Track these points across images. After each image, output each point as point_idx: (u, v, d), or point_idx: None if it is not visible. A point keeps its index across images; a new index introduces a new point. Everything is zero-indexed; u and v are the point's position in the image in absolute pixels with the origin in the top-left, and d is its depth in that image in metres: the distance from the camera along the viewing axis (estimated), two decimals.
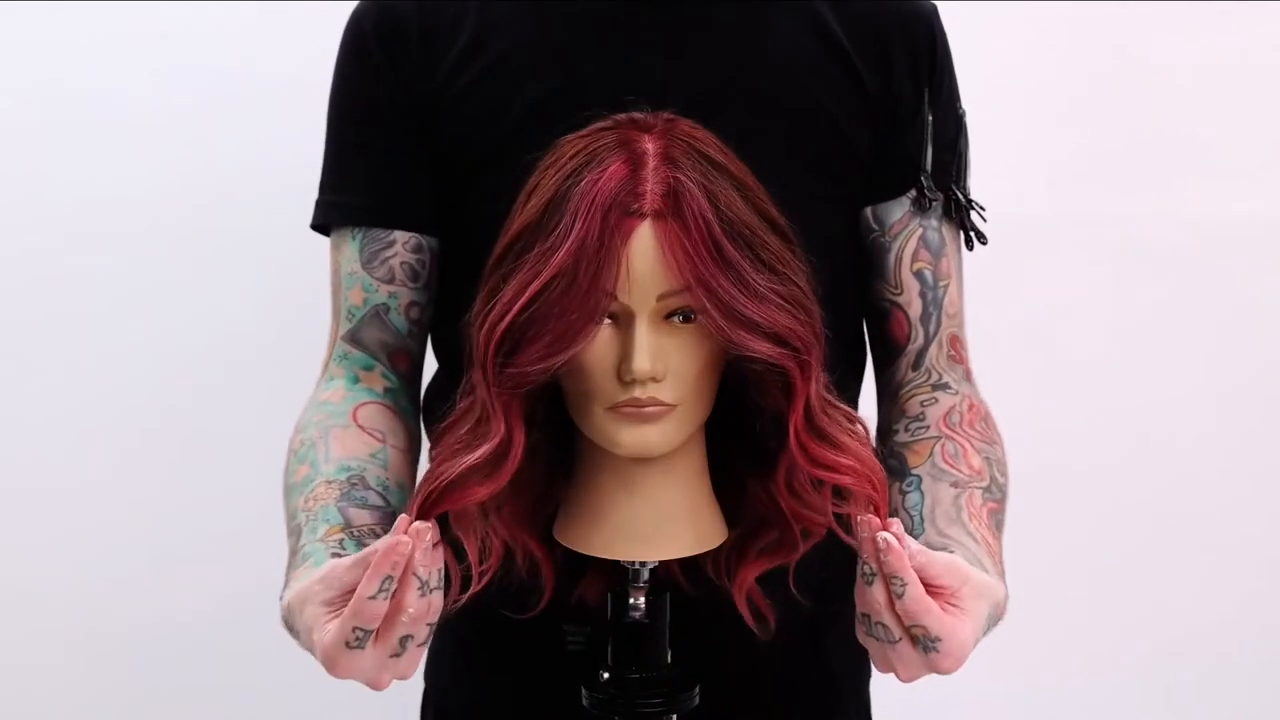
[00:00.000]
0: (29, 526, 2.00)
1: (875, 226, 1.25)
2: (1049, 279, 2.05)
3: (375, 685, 1.00)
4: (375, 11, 1.24)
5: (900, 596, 0.97)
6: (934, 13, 1.28)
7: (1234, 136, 2.07)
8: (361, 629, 0.96)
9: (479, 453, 1.01)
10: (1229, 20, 2.04)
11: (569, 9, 1.21)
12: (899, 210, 1.24)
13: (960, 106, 1.28)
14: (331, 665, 0.99)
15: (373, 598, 0.95)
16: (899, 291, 1.25)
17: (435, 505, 1.00)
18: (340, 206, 1.25)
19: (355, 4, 1.27)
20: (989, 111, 1.33)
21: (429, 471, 1.03)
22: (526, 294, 0.99)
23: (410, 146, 1.22)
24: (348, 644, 0.97)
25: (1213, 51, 2.05)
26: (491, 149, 1.18)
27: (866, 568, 0.98)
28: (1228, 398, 2.14)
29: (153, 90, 1.91)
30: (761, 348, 1.00)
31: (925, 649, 0.99)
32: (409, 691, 1.42)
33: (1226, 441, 2.15)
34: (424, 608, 0.97)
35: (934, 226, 1.25)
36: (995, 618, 1.05)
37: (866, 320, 1.30)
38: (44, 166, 1.93)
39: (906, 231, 1.24)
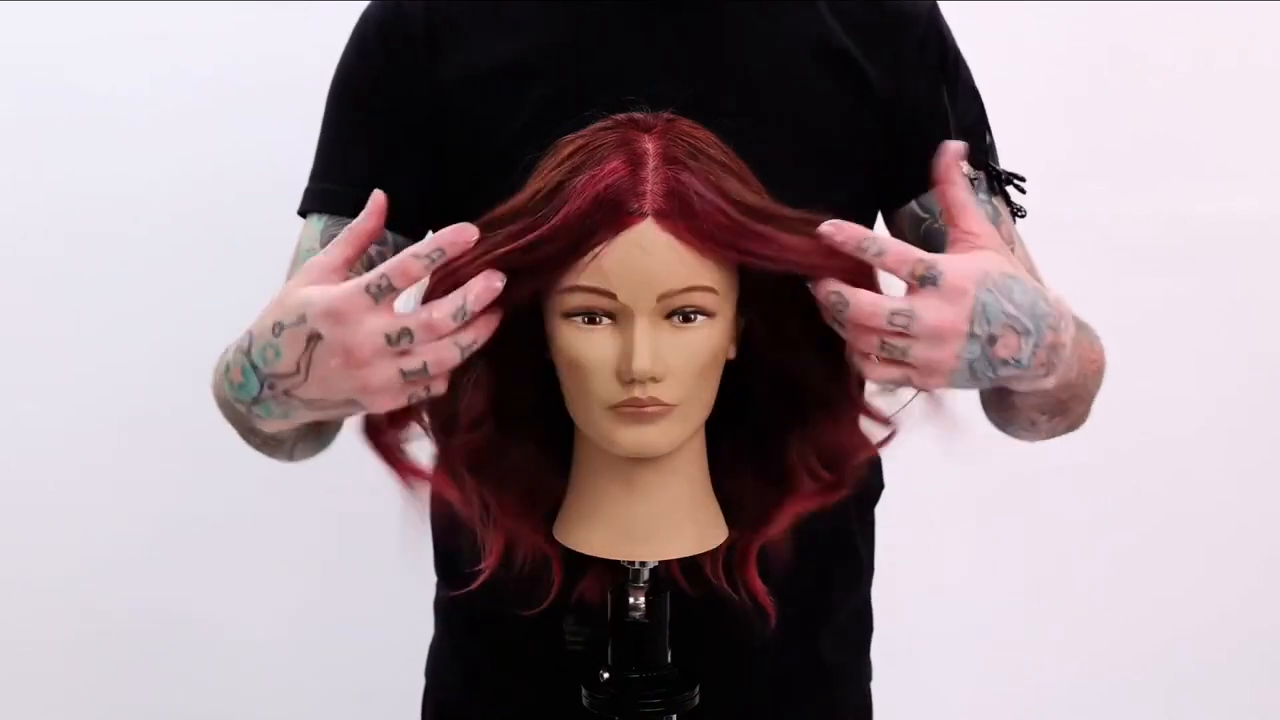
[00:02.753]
0: (27, 527, 2.00)
1: (925, 215, 1.25)
2: (1048, 278, 2.05)
3: (367, 387, 0.95)
4: (383, 11, 1.24)
5: (881, 254, 0.96)
6: (933, 8, 1.28)
7: (1230, 135, 2.08)
8: (390, 281, 0.93)
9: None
10: (1226, 18, 2.04)
11: (577, 11, 1.21)
12: None
13: (974, 84, 1.29)
14: (338, 313, 0.94)
15: (418, 257, 0.93)
16: None
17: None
18: (312, 192, 1.27)
19: (363, 2, 1.27)
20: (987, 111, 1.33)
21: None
22: (492, 254, 0.98)
23: (401, 147, 1.22)
24: (368, 289, 0.93)
25: (1210, 50, 2.06)
26: (498, 151, 1.18)
27: (832, 300, 0.98)
28: (1228, 398, 2.14)
29: (155, 89, 1.92)
30: (827, 264, 0.99)
31: (931, 283, 0.96)
32: (409, 690, 1.42)
33: (1224, 440, 2.15)
34: (449, 354, 0.95)
35: (984, 200, 1.26)
36: (1035, 291, 1.01)
37: None
38: (47, 165, 1.94)
39: None
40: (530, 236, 0.98)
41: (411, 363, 0.95)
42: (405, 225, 1.24)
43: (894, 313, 0.97)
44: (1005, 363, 1.00)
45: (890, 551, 1.39)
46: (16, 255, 1.96)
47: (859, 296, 0.97)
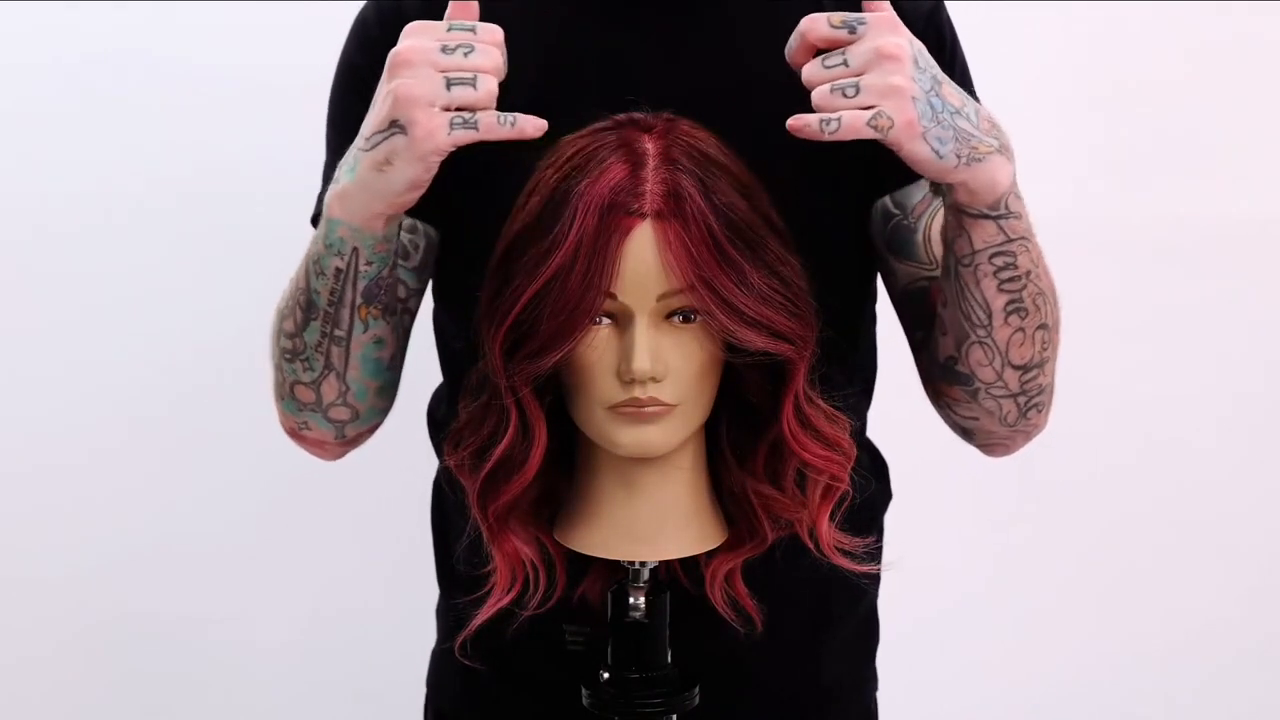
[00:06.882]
0: (27, 529, 2.01)
1: (896, 211, 1.24)
2: (1056, 281, 2.04)
3: (408, 95, 1.01)
4: (381, 9, 1.24)
5: (803, 34, 1.05)
6: (936, 9, 1.27)
7: (1237, 136, 2.08)
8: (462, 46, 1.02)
9: (505, 443, 1.05)
10: (1230, 20, 2.04)
11: (577, 8, 1.20)
12: (919, 192, 1.23)
13: (973, 90, 1.27)
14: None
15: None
16: (934, 267, 1.23)
17: (491, 500, 1.08)
18: None
19: (360, 2, 1.27)
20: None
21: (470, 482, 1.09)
22: (526, 294, 1.01)
23: None
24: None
25: (1211, 52, 2.05)
26: (494, 148, 1.18)
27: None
28: (1237, 401, 2.14)
29: (158, 87, 1.93)
30: (762, 343, 1.02)
31: (861, 24, 1.04)
32: (410, 699, 1.42)
33: (1237, 442, 2.15)
34: (494, 59, 1.03)
35: None
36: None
37: (903, 306, 1.28)
38: (47, 164, 1.94)
39: (931, 210, 1.22)
40: (548, 273, 1.00)
41: (458, 62, 1.01)
42: (420, 212, 1.22)
43: (827, 57, 1.04)
44: (956, 112, 1.05)
45: (898, 560, 1.38)
46: (19, 256, 1.96)
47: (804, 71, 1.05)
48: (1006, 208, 1.09)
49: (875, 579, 1.35)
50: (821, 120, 1.01)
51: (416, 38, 1.03)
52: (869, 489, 1.22)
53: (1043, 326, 1.15)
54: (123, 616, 2.03)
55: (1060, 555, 2.15)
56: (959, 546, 2.09)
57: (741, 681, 1.25)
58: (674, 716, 1.11)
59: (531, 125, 1.02)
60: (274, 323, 1.17)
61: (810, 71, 1.04)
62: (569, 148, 1.04)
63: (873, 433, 1.35)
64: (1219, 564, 2.16)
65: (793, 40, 1.06)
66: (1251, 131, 2.07)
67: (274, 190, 1.70)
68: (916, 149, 1.03)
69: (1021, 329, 1.14)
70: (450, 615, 1.28)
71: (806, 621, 1.28)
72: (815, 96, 1.03)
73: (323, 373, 1.15)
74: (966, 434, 1.25)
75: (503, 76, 1.05)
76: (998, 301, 1.12)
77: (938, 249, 1.21)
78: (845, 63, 1.03)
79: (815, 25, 1.04)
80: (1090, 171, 2.06)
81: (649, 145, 1.02)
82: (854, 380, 1.25)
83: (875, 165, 1.22)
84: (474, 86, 1.01)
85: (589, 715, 1.12)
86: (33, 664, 2.03)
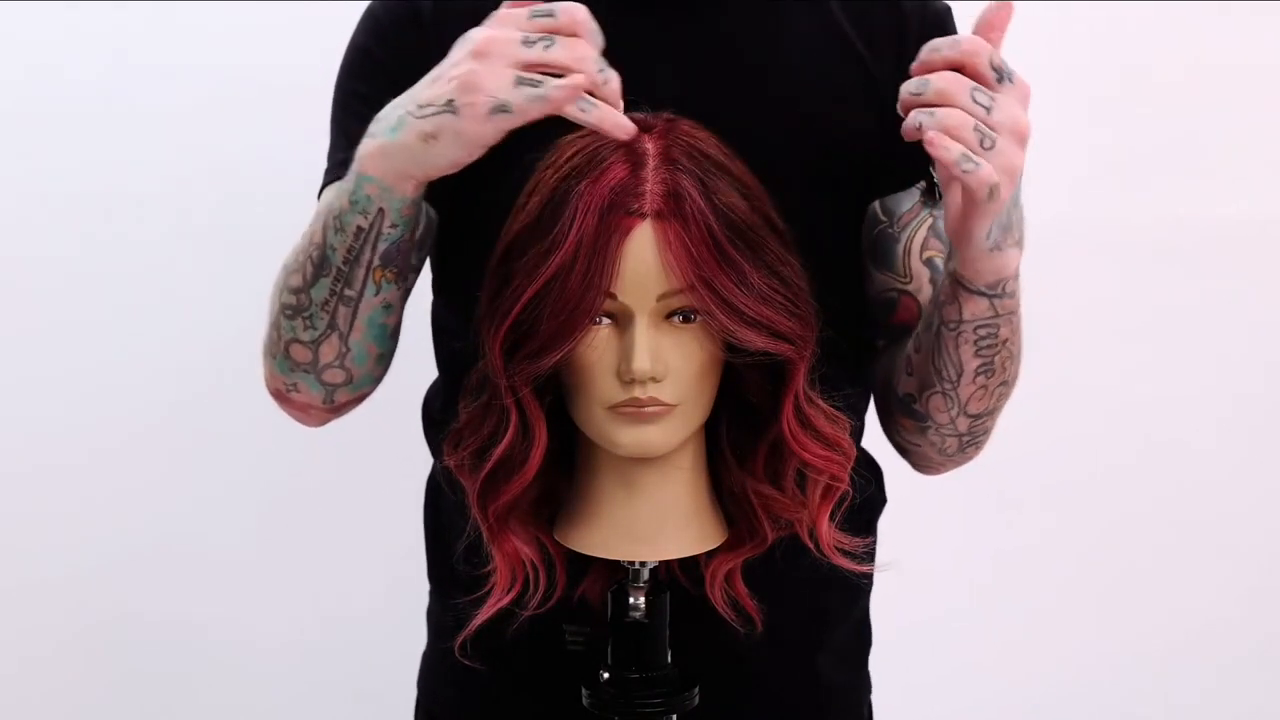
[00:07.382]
0: (28, 526, 2.01)
1: (884, 218, 1.24)
2: (1057, 283, 2.04)
3: (474, 82, 0.99)
4: (391, 8, 1.24)
5: (956, 45, 1.00)
6: (947, 12, 1.27)
7: (1237, 136, 2.08)
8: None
9: (505, 443, 1.05)
10: (1230, 21, 2.04)
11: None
12: (908, 201, 1.23)
13: None
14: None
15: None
16: (908, 280, 1.24)
17: (491, 500, 1.07)
18: (340, 164, 1.21)
19: (363, 1, 1.27)
20: None
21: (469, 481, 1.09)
22: (526, 294, 1.01)
23: None
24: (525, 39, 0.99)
25: (1213, 54, 2.06)
26: (494, 147, 1.18)
27: (911, 89, 1.00)
28: (1242, 398, 2.14)
29: (160, 88, 1.93)
30: (762, 343, 1.02)
31: (1009, 80, 1.00)
32: (409, 692, 1.42)
33: (1237, 442, 2.15)
34: (582, 52, 1.00)
35: (944, 216, 1.25)
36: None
37: (871, 311, 1.29)
38: (55, 165, 1.94)
39: (916, 222, 1.23)
40: (548, 273, 1.00)
41: (538, 56, 0.99)
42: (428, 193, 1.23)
43: (976, 89, 0.99)
44: (1015, 204, 1.05)
45: (894, 561, 1.38)
46: (19, 256, 1.96)
47: (943, 74, 1.00)
48: (1004, 289, 1.10)
49: (868, 584, 1.36)
50: (963, 155, 0.98)
51: (500, 28, 1.01)
52: (869, 488, 1.22)
53: (1004, 383, 1.17)
54: (123, 616, 2.04)
55: (1059, 556, 2.15)
56: (956, 548, 2.09)
57: (741, 681, 1.25)
58: (674, 716, 1.11)
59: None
60: (278, 278, 1.16)
61: (955, 88, 0.99)
62: (569, 148, 1.04)
63: (868, 436, 1.35)
64: (1219, 564, 2.16)
65: (945, 48, 1.01)
66: (1251, 132, 2.08)
67: (274, 190, 1.70)
68: (980, 225, 1.04)
69: (985, 386, 1.16)
70: (449, 615, 1.28)
71: (806, 621, 1.28)
72: (951, 118, 0.99)
73: (325, 332, 1.14)
74: (903, 451, 1.28)
75: (594, 57, 1.02)
76: (971, 364, 1.14)
77: (916, 263, 1.22)
78: (989, 110, 0.99)
79: (979, 53, 1.00)
80: (1090, 172, 2.06)
81: (649, 145, 1.02)
82: (854, 380, 1.25)
83: (872, 168, 1.23)
84: (538, 88, 0.99)
85: (589, 715, 1.12)
86: (33, 664, 2.04)
